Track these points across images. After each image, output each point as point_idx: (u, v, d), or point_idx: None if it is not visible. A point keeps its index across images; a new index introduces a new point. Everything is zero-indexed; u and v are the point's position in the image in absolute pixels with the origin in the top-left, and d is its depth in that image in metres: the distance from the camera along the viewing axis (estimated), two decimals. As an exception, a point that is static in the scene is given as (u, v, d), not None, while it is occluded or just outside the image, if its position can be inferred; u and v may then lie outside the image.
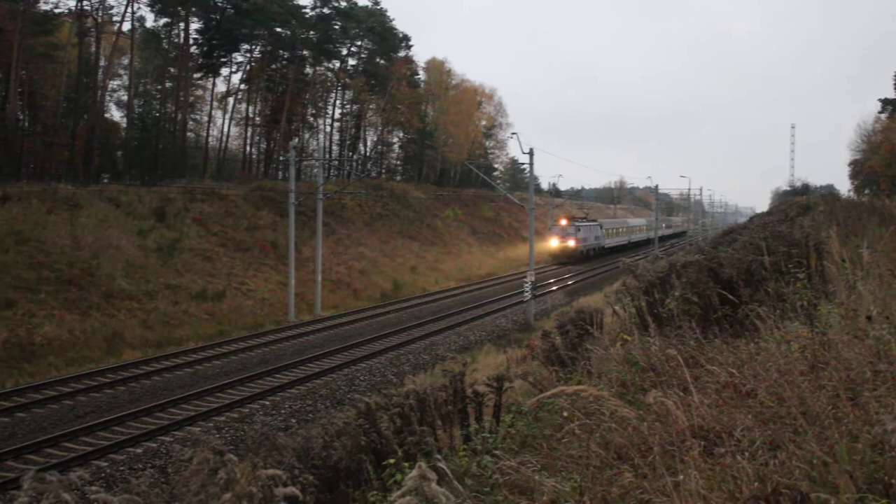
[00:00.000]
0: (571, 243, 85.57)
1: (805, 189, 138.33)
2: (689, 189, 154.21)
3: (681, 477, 5.49)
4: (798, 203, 61.83)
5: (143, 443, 22.26)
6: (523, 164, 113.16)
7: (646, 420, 6.96)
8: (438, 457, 6.77)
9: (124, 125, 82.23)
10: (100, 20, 72.37)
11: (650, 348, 9.95)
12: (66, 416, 24.81)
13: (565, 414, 8.24)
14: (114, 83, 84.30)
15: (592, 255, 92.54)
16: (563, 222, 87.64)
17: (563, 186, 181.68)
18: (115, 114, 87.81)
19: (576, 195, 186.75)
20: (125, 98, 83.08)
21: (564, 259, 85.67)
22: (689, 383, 7.35)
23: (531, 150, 47.41)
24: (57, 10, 70.81)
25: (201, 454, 4.60)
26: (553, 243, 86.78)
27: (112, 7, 74.14)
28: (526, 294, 45.35)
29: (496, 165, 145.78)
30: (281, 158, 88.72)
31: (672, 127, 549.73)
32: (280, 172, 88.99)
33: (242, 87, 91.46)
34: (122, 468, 20.14)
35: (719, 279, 12.72)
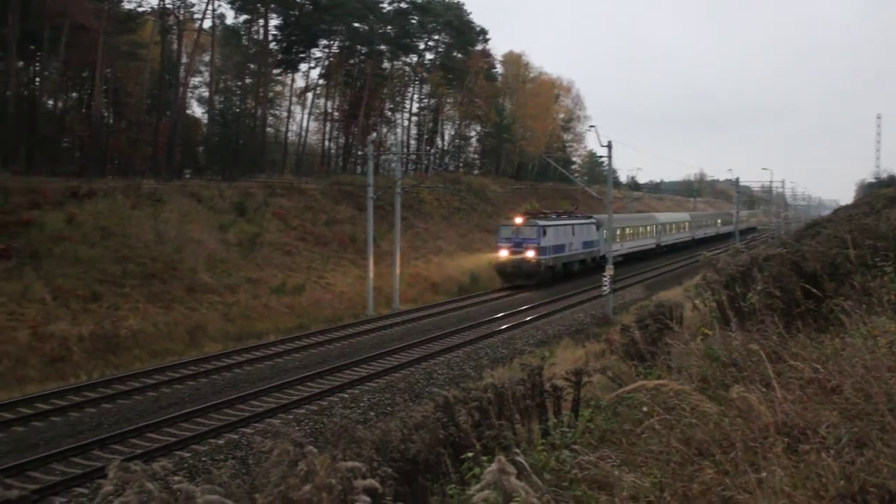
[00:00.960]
0: (530, 254, 56.16)
1: (891, 180, 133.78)
2: (771, 181, 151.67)
3: (764, 474, 5.40)
4: (884, 195, 60.36)
5: (225, 434, 22.57)
6: (601, 156, 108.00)
7: (727, 416, 6.86)
8: (517, 451, 6.74)
9: (205, 121, 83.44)
10: (181, 18, 73.49)
11: (731, 343, 9.81)
12: (150, 407, 25.27)
13: (645, 409, 8.16)
14: (195, 80, 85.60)
15: (579, 269, 64.79)
16: (518, 220, 58.26)
17: (641, 179, 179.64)
18: (197, 110, 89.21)
19: (655, 188, 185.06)
20: (206, 94, 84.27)
21: (521, 279, 57.22)
22: (771, 379, 7.22)
23: (609, 142, 47.03)
24: (140, 9, 72.15)
25: (282, 446, 4.63)
26: (502, 255, 57.68)
27: (193, 5, 75.10)
28: (604, 288, 45.05)
29: (574, 158, 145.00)
30: (359, 153, 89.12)
31: (754, 118, 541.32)
32: (358, 167, 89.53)
33: (321, 82, 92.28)
34: (204, 459, 20.45)
35: (803, 273, 12.48)
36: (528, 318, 43.36)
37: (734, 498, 5.37)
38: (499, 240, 58.99)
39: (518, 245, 56.64)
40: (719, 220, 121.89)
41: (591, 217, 67.81)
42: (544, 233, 57.41)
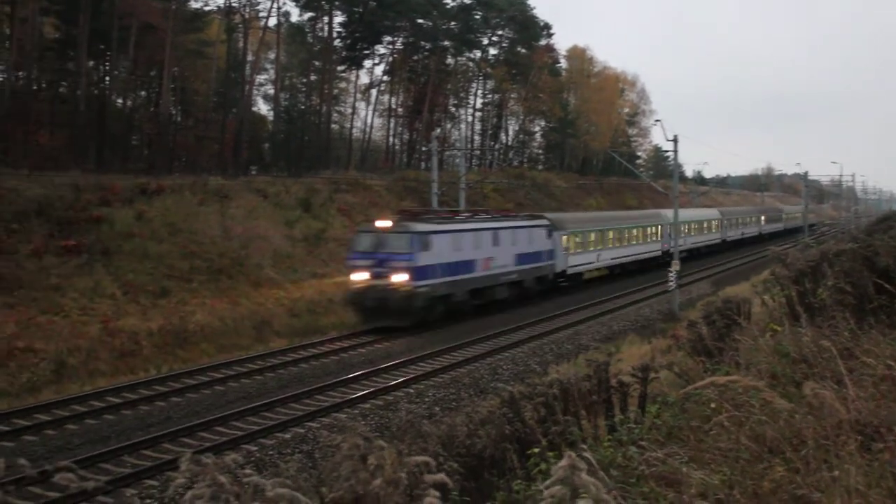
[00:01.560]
0: (398, 278, 36.08)
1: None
2: (841, 175, 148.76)
3: (837, 472, 5.32)
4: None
5: (291, 428, 22.75)
6: (667, 151, 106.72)
7: (798, 412, 6.77)
8: (583, 447, 6.72)
9: (271, 118, 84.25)
10: (247, 16, 74.25)
11: (802, 339, 9.68)
12: (217, 401, 25.56)
13: (713, 405, 8.08)
14: (261, 77, 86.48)
15: (510, 296, 45.07)
16: (382, 224, 38.38)
17: (707, 174, 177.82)
18: (262, 107, 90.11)
19: (721, 183, 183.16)
20: (272, 92, 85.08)
21: (386, 319, 36.55)
22: (843, 375, 7.11)
23: (675, 137, 46.58)
24: (206, 8, 73.11)
25: (351, 440, 4.66)
26: (356, 280, 37.54)
27: (258, 3, 75.86)
28: (670, 283, 44.68)
29: (639, 153, 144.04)
30: (423, 149, 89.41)
31: (825, 111, 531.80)
32: (422, 162, 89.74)
33: (385, 78, 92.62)
34: (270, 452, 20.64)
35: (875, 268, 12.26)
36: (595, 313, 43.19)
37: (806, 496, 5.30)
38: (351, 255, 38.21)
39: (381, 264, 36.15)
40: (763, 218, 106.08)
41: (540, 218, 50.28)
42: (425, 244, 36.56)
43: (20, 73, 57.40)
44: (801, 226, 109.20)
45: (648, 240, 66.23)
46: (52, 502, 16.09)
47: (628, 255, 62.38)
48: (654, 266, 63.63)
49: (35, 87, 58.84)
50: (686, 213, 70.27)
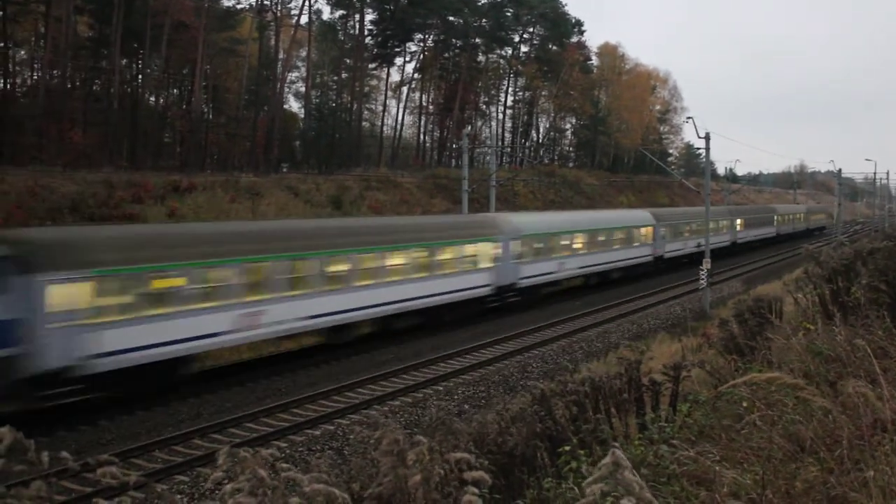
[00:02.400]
0: None
1: None
2: (875, 172, 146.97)
3: (871, 472, 5.29)
4: None
5: (321, 425, 22.85)
6: (699, 148, 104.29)
7: (832, 412, 6.73)
8: (615, 445, 6.72)
9: (302, 116, 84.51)
10: (279, 14, 74.52)
11: (835, 338, 9.62)
12: (248, 398, 25.69)
13: (745, 404, 8.06)
14: (292, 75, 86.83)
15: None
16: None
17: (740, 171, 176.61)
18: (294, 105, 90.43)
19: (753, 180, 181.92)
20: (303, 90, 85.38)
21: None
22: (878, 375, 7.07)
23: (707, 134, 46.35)
24: (238, 6, 73.45)
25: (391, 436, 4.69)
26: None
27: (290, 1, 76.36)
28: (701, 281, 44.47)
29: (671, 151, 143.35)
30: (454, 146, 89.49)
31: (859, 108, 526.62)
32: (453, 160, 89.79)
33: (416, 76, 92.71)
34: (300, 449, 20.73)
35: (910, 266, 12.18)
36: (625, 311, 43.10)
37: (840, 496, 5.28)
38: None
39: None
40: (739, 222, 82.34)
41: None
42: None
43: (55, 72, 57.91)
44: (810, 228, 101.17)
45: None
46: (89, 495, 16.22)
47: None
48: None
49: (69, 86, 59.30)
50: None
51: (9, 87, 59.10)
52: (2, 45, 56.19)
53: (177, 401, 24.89)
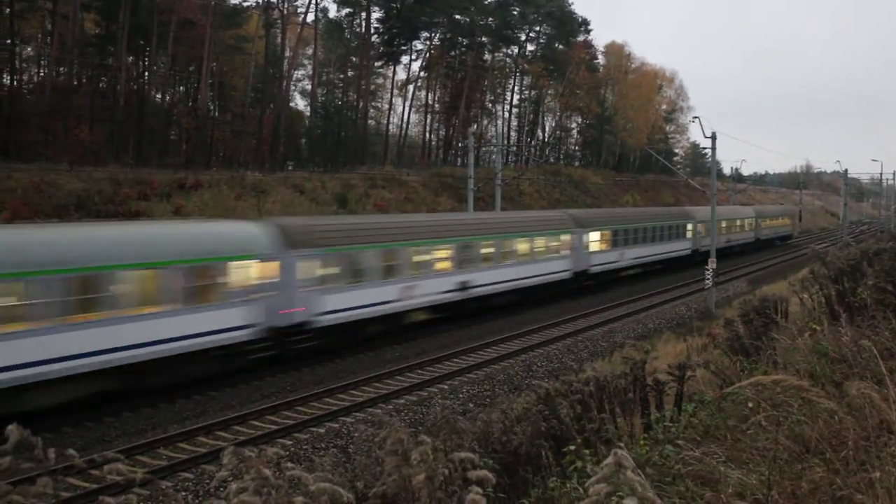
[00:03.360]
0: None
1: None
2: (881, 173, 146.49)
3: (877, 473, 5.28)
4: None
5: (326, 423, 22.85)
6: (705, 148, 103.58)
7: (838, 413, 6.72)
8: (620, 444, 6.70)
9: (308, 114, 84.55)
10: (285, 12, 74.59)
11: (841, 338, 9.60)
12: (252, 395, 25.71)
13: (750, 405, 8.05)
14: (298, 73, 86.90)
15: None
16: None
17: (745, 171, 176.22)
18: (300, 103, 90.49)
19: (759, 180, 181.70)
20: (309, 87, 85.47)
21: None
22: (884, 376, 7.05)
23: (713, 134, 46.30)
24: (245, 4, 73.53)
25: (395, 435, 4.69)
26: None
27: (297, -1, 76.41)
28: (707, 281, 44.41)
29: (676, 150, 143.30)
30: (460, 145, 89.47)
31: (865, 108, 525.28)
32: (459, 159, 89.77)
33: (422, 74, 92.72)
34: (305, 447, 20.74)
35: (917, 267, 12.15)
36: (630, 311, 43.07)
37: (846, 497, 5.27)
38: None
39: None
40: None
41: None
42: None
43: (61, 69, 57.98)
44: (761, 239, 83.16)
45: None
46: (95, 492, 16.23)
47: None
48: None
49: (75, 83, 59.40)
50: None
51: (15, 83, 59.17)
52: (9, 41, 56.27)
53: (182, 398, 24.92)
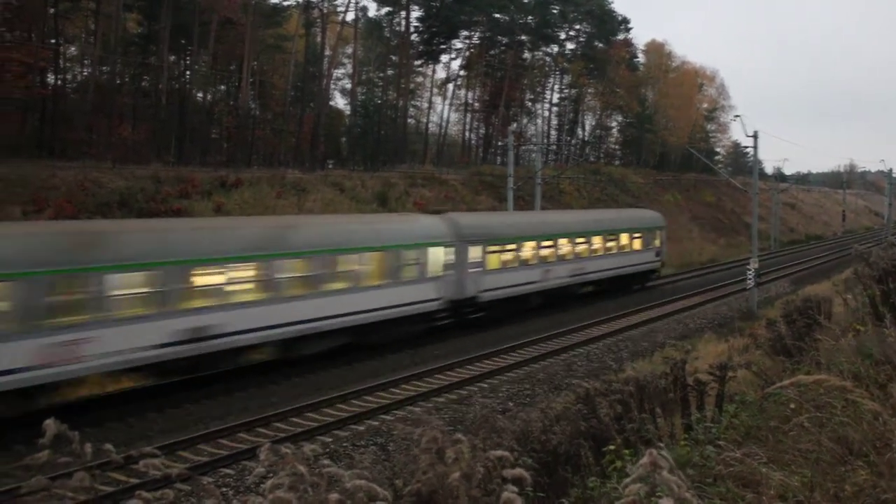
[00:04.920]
0: None
1: None
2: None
3: (922, 477, 5.19)
4: None
5: (366, 420, 22.91)
6: (746, 147, 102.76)
7: (881, 415, 6.62)
8: (660, 445, 6.65)
9: (348, 112, 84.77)
10: (325, 11, 74.84)
11: (885, 340, 9.47)
12: (293, 393, 25.81)
13: (793, 406, 7.95)
14: (338, 72, 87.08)
15: None
16: None
17: (788, 171, 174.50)
18: (340, 101, 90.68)
19: (802, 180, 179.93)
20: (349, 86, 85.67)
21: None
22: (930, 377, 6.95)
23: (755, 133, 45.94)
24: (285, 3, 73.87)
25: (430, 433, 4.68)
26: None
27: (336, -2, 76.64)
28: (749, 281, 44.06)
29: (718, 149, 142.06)
30: (499, 143, 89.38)
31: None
32: (498, 157, 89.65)
33: (462, 73, 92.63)
34: (345, 444, 20.80)
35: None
36: (671, 311, 42.87)
37: (890, 500, 5.19)
38: None
39: None
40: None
41: None
42: None
43: (104, 68, 58.51)
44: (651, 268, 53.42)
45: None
46: (134, 487, 16.35)
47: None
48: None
49: (118, 82, 59.91)
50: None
51: (60, 83, 59.81)
52: (53, 41, 56.89)
53: (224, 395, 25.09)
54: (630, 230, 49.70)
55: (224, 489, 17.45)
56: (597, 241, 45.89)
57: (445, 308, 34.96)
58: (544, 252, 41.61)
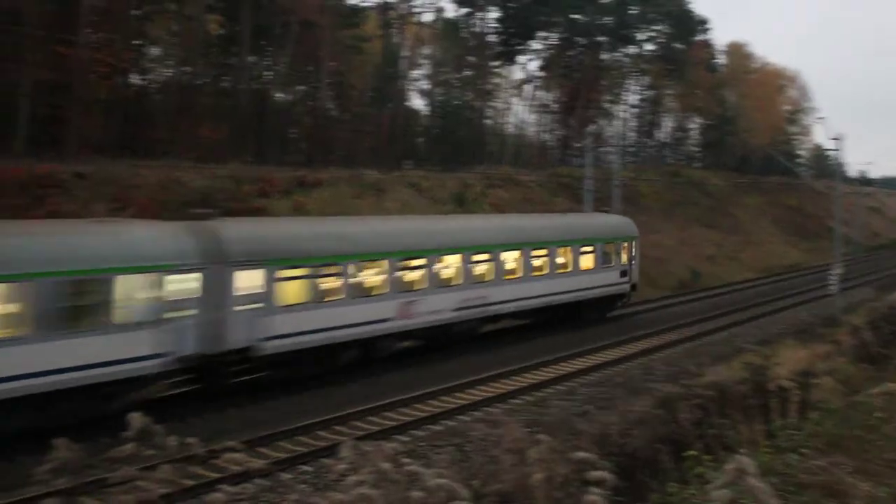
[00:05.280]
0: None
1: None
2: None
3: None
4: None
5: (443, 421, 22.91)
6: (830, 150, 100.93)
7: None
8: (741, 451, 6.55)
9: (426, 113, 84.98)
10: (403, 12, 75.23)
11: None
12: (371, 391, 25.89)
13: (879, 414, 7.78)
14: (415, 73, 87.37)
15: None
16: None
17: (874, 174, 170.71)
18: (417, 102, 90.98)
19: (888, 183, 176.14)
20: (426, 87, 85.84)
21: None
22: None
23: (838, 135, 45.15)
24: (363, 4, 74.37)
25: (513, 433, 4.67)
26: None
27: (414, -1, 76.93)
28: (832, 287, 43.26)
29: (800, 152, 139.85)
30: (577, 145, 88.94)
31: None
32: (576, 159, 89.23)
33: (539, 74, 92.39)
34: (422, 444, 20.77)
35: None
36: (752, 315, 42.28)
37: None
38: None
39: None
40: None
41: None
42: None
43: (186, 69, 59.40)
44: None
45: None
46: (215, 481, 16.54)
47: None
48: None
49: (199, 83, 60.77)
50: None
51: (143, 84, 60.86)
52: (137, 42, 57.90)
53: (301, 393, 25.26)
54: (577, 242, 38.02)
55: (303, 485, 17.57)
56: (511, 258, 34.36)
57: (181, 369, 22.97)
58: (408, 274, 29.82)
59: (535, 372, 28.98)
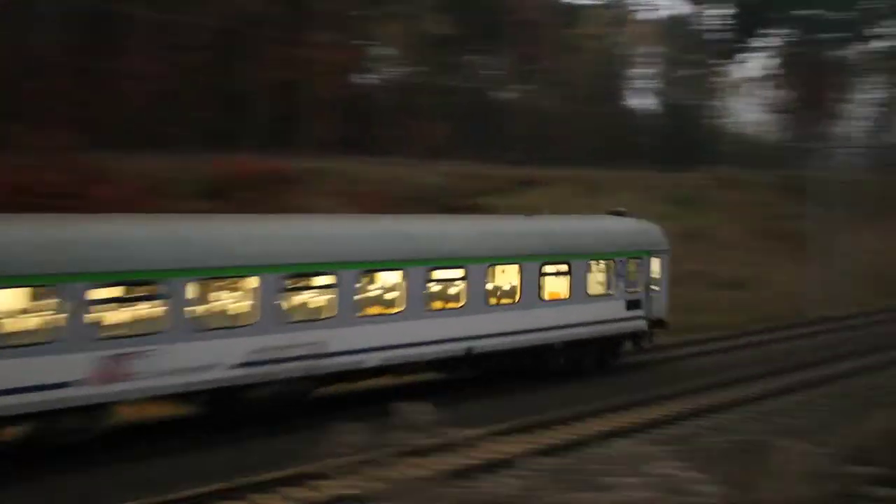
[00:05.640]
0: None
1: None
2: None
3: None
4: None
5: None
6: None
7: None
8: None
9: (650, 112, 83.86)
10: (625, 10, 74.58)
11: None
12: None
13: None
14: (638, 71, 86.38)
15: None
16: None
17: None
18: (640, 101, 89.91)
19: None
20: (650, 85, 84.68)
21: None
22: None
23: None
24: (585, 3, 74.30)
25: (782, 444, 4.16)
26: None
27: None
28: None
29: None
30: (809, 146, 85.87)
31: None
32: (808, 160, 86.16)
33: (770, 72, 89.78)
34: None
35: None
36: None
37: None
38: None
39: None
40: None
41: None
42: None
43: (411, 68, 60.49)
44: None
45: None
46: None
47: None
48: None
49: (423, 81, 61.76)
50: None
51: (371, 82, 62.38)
52: (365, 43, 59.38)
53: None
54: (537, 258, 25.54)
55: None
56: (394, 279, 22.23)
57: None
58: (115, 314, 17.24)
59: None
